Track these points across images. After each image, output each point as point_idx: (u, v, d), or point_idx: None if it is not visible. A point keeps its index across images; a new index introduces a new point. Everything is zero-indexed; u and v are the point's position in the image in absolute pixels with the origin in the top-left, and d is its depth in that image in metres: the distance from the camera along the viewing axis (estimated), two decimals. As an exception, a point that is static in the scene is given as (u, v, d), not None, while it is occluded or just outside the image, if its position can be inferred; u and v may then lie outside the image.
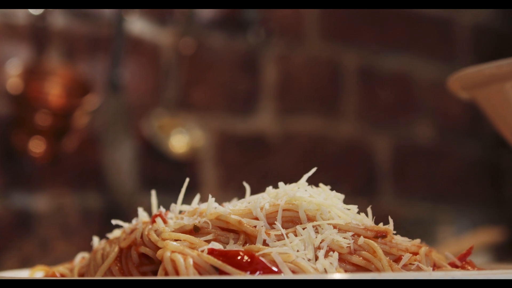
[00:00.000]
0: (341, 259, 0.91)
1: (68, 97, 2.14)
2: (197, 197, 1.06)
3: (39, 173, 2.17)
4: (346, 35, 2.81)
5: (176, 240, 0.91)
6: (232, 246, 0.91)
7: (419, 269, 0.94)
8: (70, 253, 1.69)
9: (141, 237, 0.97)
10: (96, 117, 2.22)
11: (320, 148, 2.72)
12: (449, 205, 2.98)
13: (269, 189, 1.01)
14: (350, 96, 2.80)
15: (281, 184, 1.00)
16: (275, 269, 0.85)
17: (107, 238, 1.10)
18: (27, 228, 2.15)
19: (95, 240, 1.12)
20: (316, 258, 0.90)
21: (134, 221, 1.07)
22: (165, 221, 0.98)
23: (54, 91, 2.14)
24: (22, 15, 2.14)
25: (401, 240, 0.98)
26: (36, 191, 2.17)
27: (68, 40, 2.22)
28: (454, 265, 1.00)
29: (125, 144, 2.24)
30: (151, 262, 0.97)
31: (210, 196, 0.97)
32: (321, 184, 1.02)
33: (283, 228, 0.93)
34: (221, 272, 0.85)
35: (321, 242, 0.91)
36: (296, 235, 0.92)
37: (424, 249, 0.97)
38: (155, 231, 0.95)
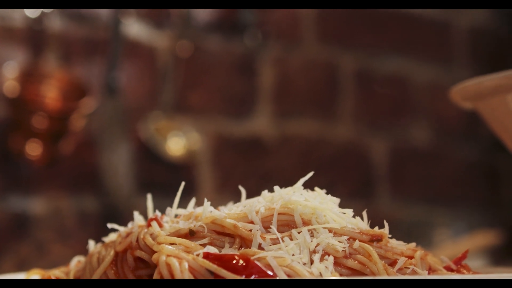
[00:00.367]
0: (337, 263, 0.91)
1: (65, 100, 2.14)
2: (193, 201, 1.06)
3: (36, 176, 2.17)
4: (343, 38, 2.81)
5: (171, 244, 0.91)
6: (227, 250, 0.91)
7: (414, 272, 0.94)
8: (66, 256, 1.68)
9: (137, 241, 0.97)
10: (93, 120, 2.22)
11: (317, 150, 2.72)
12: (445, 208, 2.98)
13: (265, 193, 1.01)
14: (347, 98, 2.80)
15: (276, 188, 1.00)
16: (270, 273, 0.85)
17: (103, 242, 1.10)
18: (23, 231, 2.15)
19: (91, 243, 1.11)
20: (312, 262, 0.90)
21: (129, 224, 1.07)
22: (160, 225, 0.98)
23: (50, 94, 2.14)
24: (19, 18, 2.14)
25: (396, 244, 0.98)
26: (32, 194, 2.17)
27: (65, 43, 2.22)
28: (449, 269, 1.00)
29: (121, 147, 2.24)
30: (147, 266, 0.97)
31: (205, 200, 0.97)
32: (316, 188, 1.02)
33: (278, 232, 0.93)
34: (216, 276, 0.85)
35: (316, 246, 0.91)
36: (291, 239, 0.92)
37: (419, 252, 0.97)
38: (151, 235, 0.95)
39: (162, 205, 1.11)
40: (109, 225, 1.08)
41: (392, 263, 0.95)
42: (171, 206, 1.04)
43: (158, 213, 1.03)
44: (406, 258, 0.95)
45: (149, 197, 1.09)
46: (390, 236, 0.98)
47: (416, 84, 2.97)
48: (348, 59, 2.81)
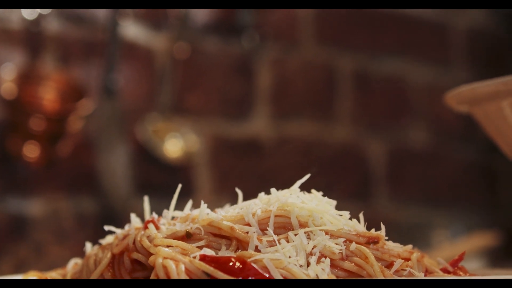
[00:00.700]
0: (333, 265, 0.92)
1: (63, 101, 2.14)
2: (190, 203, 1.06)
3: (34, 177, 2.17)
4: (341, 39, 2.82)
5: (168, 246, 0.91)
6: (224, 252, 0.91)
7: (411, 275, 0.94)
8: (64, 257, 1.69)
9: (134, 243, 0.97)
10: (91, 121, 2.22)
11: (315, 152, 2.72)
12: (443, 209, 2.98)
13: (261, 195, 1.01)
14: (345, 100, 2.80)
15: (273, 190, 1.00)
16: (266, 275, 0.85)
17: (100, 244, 1.10)
18: (21, 233, 2.15)
19: (88, 246, 1.12)
20: (308, 264, 0.90)
21: (126, 227, 1.07)
22: (157, 227, 0.98)
23: (48, 96, 2.14)
24: (16, 20, 2.14)
25: (393, 246, 0.98)
26: (30, 195, 2.17)
27: (62, 45, 2.21)
28: (446, 271, 1.00)
29: (119, 149, 2.24)
30: (144, 268, 0.97)
31: (202, 202, 0.97)
32: (313, 190, 1.02)
33: (275, 234, 0.93)
34: (212, 278, 0.85)
35: (313, 248, 0.91)
36: (288, 241, 0.92)
37: (416, 255, 0.97)
38: (148, 237, 0.95)
39: (160, 206, 1.12)
40: (106, 227, 1.08)
41: (389, 265, 0.95)
42: (168, 208, 1.04)
43: (155, 215, 1.03)
44: (403, 260, 0.95)
45: (146, 199, 1.10)
46: (387, 238, 0.98)
47: (414, 85, 2.97)
48: (346, 61, 2.81)
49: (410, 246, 1.00)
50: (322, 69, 2.77)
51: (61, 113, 2.11)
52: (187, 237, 0.94)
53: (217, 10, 2.51)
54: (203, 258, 0.88)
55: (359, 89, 2.84)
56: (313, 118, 2.73)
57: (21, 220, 2.15)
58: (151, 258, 0.90)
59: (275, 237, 0.92)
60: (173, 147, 2.39)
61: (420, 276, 0.94)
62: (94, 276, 0.99)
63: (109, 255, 1.00)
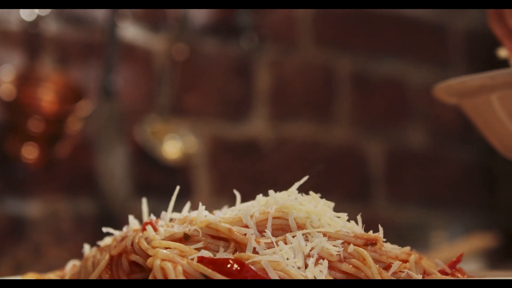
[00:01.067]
0: (331, 267, 0.92)
1: (61, 103, 2.14)
2: (188, 205, 1.06)
3: (32, 179, 2.17)
4: (340, 40, 2.82)
5: (166, 248, 0.91)
6: (222, 254, 0.91)
7: (408, 276, 0.94)
8: (63, 259, 1.68)
9: (132, 245, 0.97)
10: (89, 123, 2.22)
11: (314, 153, 2.72)
12: (442, 210, 2.98)
13: (259, 197, 1.01)
14: (344, 101, 2.80)
15: (271, 192, 1.00)
16: (265, 277, 0.85)
17: (98, 246, 1.10)
18: (20, 234, 2.15)
19: (86, 247, 1.12)
20: (306, 266, 0.90)
21: (124, 228, 1.07)
22: (155, 229, 0.98)
23: (47, 97, 2.14)
24: (14, 21, 2.14)
25: (391, 248, 0.98)
26: (29, 197, 2.17)
27: (61, 46, 2.22)
28: (444, 273, 1.00)
29: (118, 150, 2.25)
30: (142, 270, 0.97)
31: (200, 204, 0.97)
32: (311, 192, 1.02)
33: (273, 236, 0.94)
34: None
35: (311, 250, 0.91)
36: (286, 243, 0.92)
37: (414, 256, 0.97)
38: (146, 239, 0.95)
39: (158, 208, 1.12)
40: (104, 229, 1.08)
41: (387, 267, 0.95)
42: (167, 209, 1.04)
43: (153, 217, 1.03)
44: (401, 262, 0.95)
45: (144, 201, 1.10)
46: (384, 240, 0.98)
47: (413, 86, 2.97)
48: (345, 62, 2.82)
49: (408, 248, 1.00)
50: (321, 70, 2.77)
51: (60, 115, 2.11)
52: (185, 239, 0.95)
53: (216, 11, 2.51)
54: (201, 260, 0.88)
55: (358, 90, 2.84)
56: (312, 119, 2.73)
57: (20, 221, 2.15)
58: (149, 260, 0.90)
59: (273, 239, 0.92)
60: (172, 148, 2.39)
61: (418, 278, 0.94)
62: (92, 278, 0.99)
63: (107, 257, 1.00)
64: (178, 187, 1.03)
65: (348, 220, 1.00)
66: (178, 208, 1.05)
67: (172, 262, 0.87)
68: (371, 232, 0.98)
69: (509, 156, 1.30)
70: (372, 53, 2.88)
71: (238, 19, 2.53)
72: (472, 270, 1.17)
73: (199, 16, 2.48)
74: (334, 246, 0.93)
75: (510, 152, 1.28)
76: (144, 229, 0.99)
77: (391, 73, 2.92)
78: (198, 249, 0.92)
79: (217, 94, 2.54)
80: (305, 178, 1.01)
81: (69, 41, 2.24)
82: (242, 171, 2.56)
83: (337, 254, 0.92)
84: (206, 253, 0.90)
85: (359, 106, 2.83)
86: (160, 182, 2.37)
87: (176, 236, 0.95)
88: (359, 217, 1.00)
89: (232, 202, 1.09)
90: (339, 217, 0.99)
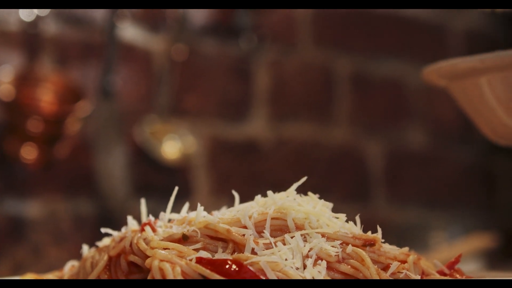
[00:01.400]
0: (330, 268, 0.92)
1: (60, 103, 2.14)
2: (186, 206, 1.06)
3: (31, 179, 2.17)
4: (339, 41, 2.82)
5: (164, 249, 0.91)
6: (220, 255, 0.91)
7: (407, 277, 0.94)
8: (62, 259, 1.69)
9: (130, 245, 0.97)
10: (88, 123, 2.22)
11: (313, 154, 2.72)
12: (441, 211, 2.98)
13: (258, 197, 1.01)
14: (343, 102, 2.80)
15: (269, 192, 1.00)
16: (263, 277, 0.85)
17: (97, 246, 1.10)
18: (19, 235, 2.15)
19: (85, 248, 1.12)
20: (305, 266, 0.90)
21: (123, 229, 1.07)
22: (154, 230, 0.99)
23: (46, 97, 2.14)
24: (13, 22, 2.14)
25: (389, 248, 0.98)
26: (28, 197, 2.17)
27: (60, 46, 2.22)
28: (442, 273, 1.00)
29: (117, 151, 2.24)
30: (140, 270, 0.97)
31: (199, 204, 0.97)
32: (309, 193, 1.02)
33: (271, 236, 0.94)
34: (209, 281, 0.85)
35: (309, 251, 0.92)
36: (284, 244, 0.92)
37: (412, 257, 0.98)
38: (144, 239, 0.96)
39: (158, 208, 1.12)
40: (103, 230, 1.08)
41: (385, 268, 0.95)
42: (165, 210, 1.04)
43: (151, 217, 1.04)
44: (399, 263, 0.95)
45: (142, 201, 1.10)
46: (383, 240, 0.99)
47: (412, 87, 2.97)
48: (344, 62, 2.82)
49: (406, 249, 1.00)
50: (320, 71, 2.77)
51: (59, 115, 2.11)
52: (184, 239, 0.95)
53: (215, 11, 2.51)
54: (200, 260, 0.88)
55: (357, 90, 2.84)
56: (311, 119, 2.73)
57: (19, 222, 2.15)
58: (148, 261, 0.90)
59: (272, 240, 0.92)
60: (171, 148, 2.39)
61: (416, 278, 0.94)
62: (91, 278, 0.99)
63: (105, 257, 1.00)
64: (176, 188, 1.03)
65: (347, 221, 1.00)
66: (177, 208, 1.05)
67: (171, 262, 0.87)
68: (369, 232, 0.99)
69: (497, 141, 1.30)
70: (372, 54, 2.88)
71: (237, 19, 2.53)
72: (471, 270, 1.17)
73: (199, 16, 2.48)
74: (333, 246, 0.93)
75: (497, 137, 1.28)
76: (142, 230, 0.99)
77: (390, 73, 2.92)
78: (197, 250, 0.92)
79: (217, 94, 2.54)
80: (304, 179, 1.01)
81: (68, 42, 2.24)
82: (242, 171, 2.56)
83: (335, 255, 0.92)
84: (204, 254, 0.90)
85: (359, 106, 2.83)
86: (159, 183, 2.37)
87: (175, 236, 0.95)
88: (357, 218, 1.00)
89: (231, 203, 1.09)
90: (337, 218, 0.99)
